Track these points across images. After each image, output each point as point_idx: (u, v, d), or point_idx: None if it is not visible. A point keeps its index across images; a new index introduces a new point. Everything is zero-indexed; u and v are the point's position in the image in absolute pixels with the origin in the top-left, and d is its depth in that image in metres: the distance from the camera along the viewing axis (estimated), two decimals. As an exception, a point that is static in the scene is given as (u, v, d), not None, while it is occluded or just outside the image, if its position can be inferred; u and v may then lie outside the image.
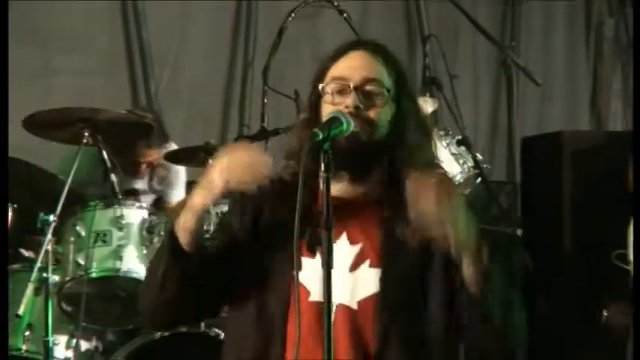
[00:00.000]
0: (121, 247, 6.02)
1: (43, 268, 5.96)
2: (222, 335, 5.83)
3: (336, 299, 3.84)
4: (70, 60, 7.93)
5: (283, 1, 8.38)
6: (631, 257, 6.74)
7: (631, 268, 6.74)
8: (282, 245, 3.81)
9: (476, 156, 6.39)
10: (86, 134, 6.14)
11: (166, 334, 5.79)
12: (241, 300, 3.95)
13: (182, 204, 3.89)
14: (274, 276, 3.87)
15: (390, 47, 8.74)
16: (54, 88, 7.78)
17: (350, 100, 3.95)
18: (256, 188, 3.84)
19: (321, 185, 3.71)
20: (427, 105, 6.61)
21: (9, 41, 7.47)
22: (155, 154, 7.05)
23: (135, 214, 6.02)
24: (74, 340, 6.21)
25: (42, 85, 7.75)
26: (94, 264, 5.99)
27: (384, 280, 3.89)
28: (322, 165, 3.73)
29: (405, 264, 3.93)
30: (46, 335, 5.87)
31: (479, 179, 6.41)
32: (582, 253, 7.84)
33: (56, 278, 6.04)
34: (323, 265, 3.62)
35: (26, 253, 6.33)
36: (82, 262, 5.96)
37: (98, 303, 6.32)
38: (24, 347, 6.08)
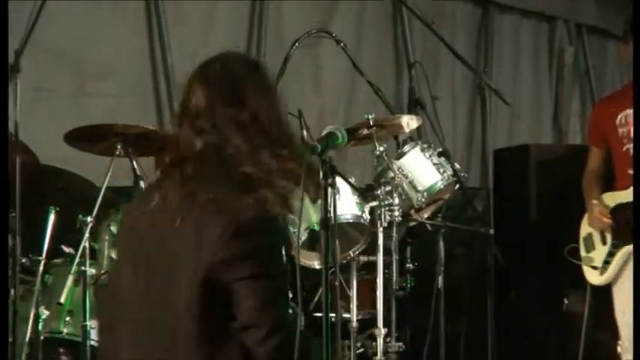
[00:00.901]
0: (148, 244, 6.05)
1: (82, 263, 6.01)
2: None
3: None
4: (102, 84, 7.94)
5: (288, 32, 8.44)
6: (582, 253, 6.76)
7: (581, 262, 6.77)
8: None
9: (454, 165, 6.43)
10: (119, 147, 6.18)
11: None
12: None
13: None
14: None
15: (381, 72, 8.83)
16: (89, 108, 7.78)
17: None
18: None
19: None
20: (413, 122, 6.66)
21: (49, 69, 7.54)
22: None
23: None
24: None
25: (79, 106, 7.73)
26: (126, 259, 6.02)
27: None
28: (321, 173, 3.72)
29: None
30: (84, 320, 5.91)
31: (457, 186, 6.44)
32: (546, 249, 7.87)
33: (93, 271, 6.07)
34: (321, 263, 3.56)
35: (67, 250, 6.34)
36: (115, 257, 5.98)
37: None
38: (65, 330, 6.12)
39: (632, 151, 6.41)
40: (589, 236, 6.78)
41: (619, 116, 6.50)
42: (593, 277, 6.62)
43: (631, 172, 6.40)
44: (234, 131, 3.58)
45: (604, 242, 6.61)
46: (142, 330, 3.55)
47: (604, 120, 6.62)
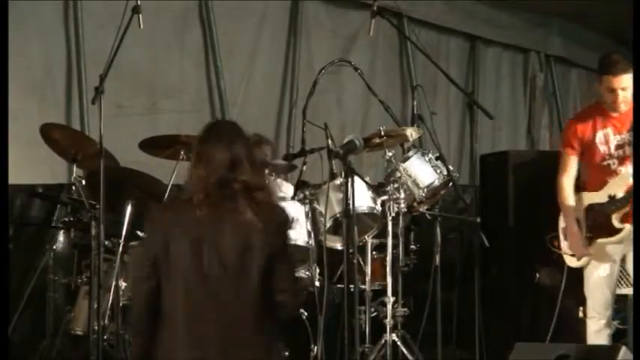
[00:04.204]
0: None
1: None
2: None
3: None
4: (171, 102, 7.93)
5: (316, 62, 8.42)
6: (562, 241, 6.58)
7: (557, 250, 6.64)
8: None
9: (448, 167, 6.38)
10: (182, 153, 6.16)
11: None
12: None
13: None
14: None
15: (390, 93, 8.80)
16: (158, 122, 7.76)
17: None
18: None
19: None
20: (415, 133, 6.62)
21: (127, 90, 7.54)
22: None
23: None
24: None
25: (150, 120, 7.73)
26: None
27: None
28: (343, 172, 3.75)
29: None
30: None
31: (450, 183, 6.40)
32: (521, 234, 7.82)
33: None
34: (343, 245, 3.62)
35: (141, 234, 6.32)
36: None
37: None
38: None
39: (613, 166, 6.28)
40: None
41: (598, 136, 6.32)
42: (572, 262, 6.47)
43: (608, 179, 6.27)
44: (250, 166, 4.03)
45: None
46: (222, 300, 3.93)
47: (585, 136, 6.39)
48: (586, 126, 6.42)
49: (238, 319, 3.92)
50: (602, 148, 6.31)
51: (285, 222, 4.10)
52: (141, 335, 4.09)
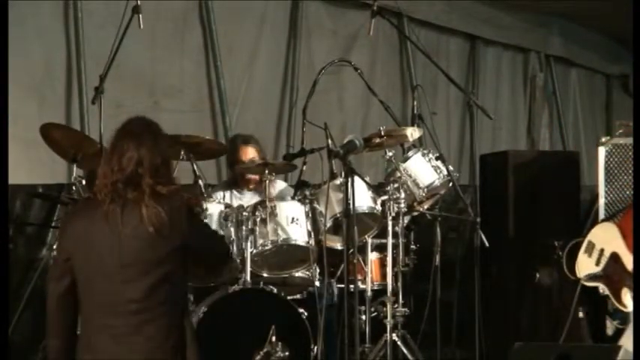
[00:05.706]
0: (205, 229, 5.96)
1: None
2: (275, 290, 5.83)
3: None
4: (171, 102, 7.91)
5: (316, 62, 8.42)
6: (582, 250, 6.43)
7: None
8: None
9: (448, 167, 6.38)
10: (182, 152, 6.14)
11: (237, 289, 5.74)
12: None
13: None
14: None
15: (390, 93, 8.79)
16: (159, 121, 7.71)
17: None
18: None
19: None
20: (415, 132, 6.62)
21: (128, 90, 7.53)
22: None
23: (215, 207, 5.95)
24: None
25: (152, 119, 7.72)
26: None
27: None
28: (343, 172, 3.72)
29: None
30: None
31: (450, 184, 6.39)
32: (521, 234, 7.82)
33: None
34: (343, 245, 3.57)
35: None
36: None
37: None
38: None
39: None
40: (592, 244, 6.46)
41: None
42: (582, 275, 6.34)
43: None
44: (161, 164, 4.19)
45: (597, 263, 6.36)
46: (131, 294, 4.01)
47: None
48: None
49: (148, 310, 3.99)
50: None
51: (189, 209, 4.17)
52: (57, 337, 4.12)
